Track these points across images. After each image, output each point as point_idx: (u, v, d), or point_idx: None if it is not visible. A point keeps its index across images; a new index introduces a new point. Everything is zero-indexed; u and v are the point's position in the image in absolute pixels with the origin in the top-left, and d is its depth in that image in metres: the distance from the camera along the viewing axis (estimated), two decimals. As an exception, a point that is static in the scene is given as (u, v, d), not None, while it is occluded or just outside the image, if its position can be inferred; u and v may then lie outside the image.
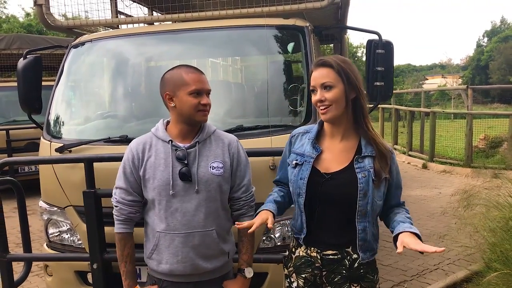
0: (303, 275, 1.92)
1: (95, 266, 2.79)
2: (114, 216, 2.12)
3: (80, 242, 3.07)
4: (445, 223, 5.94)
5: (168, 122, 2.14)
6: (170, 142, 2.04)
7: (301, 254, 1.94)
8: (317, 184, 1.84)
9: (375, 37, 3.12)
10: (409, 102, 20.13)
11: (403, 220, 1.84)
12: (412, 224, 1.81)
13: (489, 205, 3.74)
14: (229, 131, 2.87)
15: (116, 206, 2.10)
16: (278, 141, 2.78)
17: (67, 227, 3.11)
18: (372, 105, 3.45)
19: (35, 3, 3.49)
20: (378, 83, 3.13)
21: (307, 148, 1.91)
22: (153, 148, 2.05)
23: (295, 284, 1.95)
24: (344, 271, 1.86)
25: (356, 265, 1.86)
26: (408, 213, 1.92)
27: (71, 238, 3.12)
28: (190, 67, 2.05)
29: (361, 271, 1.87)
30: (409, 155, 11.35)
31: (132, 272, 2.16)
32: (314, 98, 1.82)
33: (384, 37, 3.12)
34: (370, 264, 1.90)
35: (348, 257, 1.86)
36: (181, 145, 2.04)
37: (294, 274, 1.96)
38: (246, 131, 2.91)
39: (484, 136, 10.76)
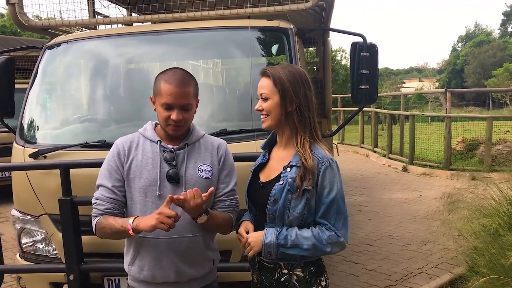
0: (254, 274, 1.99)
1: (71, 277, 2.67)
2: (92, 215, 1.98)
3: (55, 252, 2.94)
4: (427, 226, 5.97)
5: (156, 124, 2.08)
6: (158, 142, 1.99)
7: None
8: (255, 192, 1.93)
9: (360, 39, 3.08)
10: (388, 106, 20.37)
11: (289, 232, 1.79)
12: (292, 241, 1.77)
13: (472, 208, 3.75)
14: (213, 135, 2.80)
15: (94, 203, 1.98)
16: (263, 145, 2.71)
17: (42, 237, 2.97)
18: (357, 108, 3.42)
19: (8, 2, 3.34)
20: (363, 86, 3.08)
21: (260, 156, 2.00)
22: (140, 147, 1.99)
23: (251, 278, 2.03)
24: (273, 282, 1.88)
25: (282, 279, 1.85)
26: (320, 235, 1.77)
27: (46, 248, 2.97)
28: (174, 75, 1.92)
29: (287, 283, 1.84)
30: (389, 158, 11.43)
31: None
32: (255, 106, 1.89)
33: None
34: (300, 280, 1.83)
35: (279, 269, 1.86)
36: (169, 146, 1.99)
37: (251, 270, 2.03)
38: (230, 135, 2.82)
39: (462, 138, 10.91)
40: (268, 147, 1.99)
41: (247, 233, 1.87)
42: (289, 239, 1.76)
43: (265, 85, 1.84)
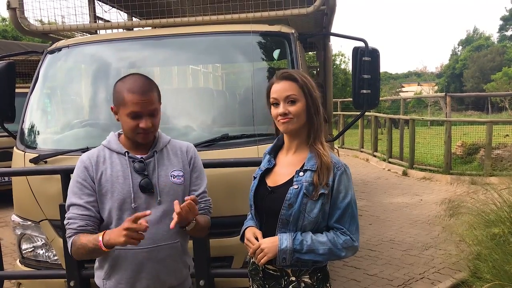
0: (255, 283, 1.95)
1: (72, 283, 2.65)
2: (66, 236, 1.89)
3: (56, 258, 2.92)
4: (428, 231, 5.95)
5: (119, 134, 2.03)
6: (126, 153, 1.93)
7: (253, 260, 1.92)
8: (262, 197, 1.89)
9: (361, 44, 3.07)
10: (387, 110, 20.36)
11: (304, 236, 1.77)
12: (308, 246, 1.76)
13: (474, 213, 3.73)
14: (215, 140, 2.80)
15: (66, 224, 1.89)
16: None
17: (42, 242, 2.95)
18: (356, 113, 3.41)
19: (8, 7, 3.34)
20: (364, 91, 3.08)
21: (264, 161, 1.97)
22: (108, 160, 1.93)
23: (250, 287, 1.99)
24: None
25: (290, 287, 1.82)
26: (336, 240, 1.78)
27: (47, 254, 2.95)
28: (136, 83, 1.88)
29: None
30: (389, 162, 11.41)
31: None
32: (276, 111, 1.82)
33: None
34: (308, 287, 1.81)
35: (286, 277, 1.84)
36: (138, 156, 1.94)
37: (250, 279, 1.99)
38: (232, 140, 2.81)
39: (462, 143, 10.90)
40: (273, 153, 1.98)
41: (256, 239, 1.85)
42: (305, 244, 1.75)
43: (291, 87, 1.80)
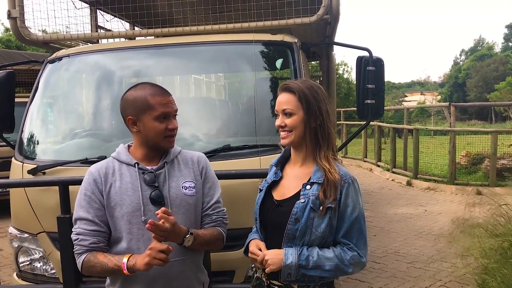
0: None
1: (69, 298, 2.58)
2: (75, 252, 1.85)
3: (53, 271, 2.85)
4: (433, 243, 5.86)
5: (129, 146, 1.98)
6: (136, 165, 1.88)
7: (257, 275, 1.88)
8: (268, 211, 1.84)
9: (366, 53, 3.03)
10: (390, 119, 20.32)
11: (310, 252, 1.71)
12: (313, 261, 1.70)
13: (480, 226, 3.65)
14: (216, 150, 2.74)
15: (76, 239, 1.84)
16: (268, 161, 2.62)
17: (40, 255, 2.89)
18: (359, 122, 3.36)
19: (9, 16, 3.32)
20: (369, 101, 3.02)
21: (271, 173, 1.92)
22: (117, 172, 1.88)
23: None
24: None
25: None
26: (343, 256, 1.72)
27: (44, 267, 2.89)
28: (154, 87, 1.89)
29: None
30: (393, 172, 11.32)
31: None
32: (276, 122, 1.82)
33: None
34: None
35: None
36: (148, 167, 1.89)
37: None
38: (234, 151, 2.76)
39: (466, 152, 10.81)
40: (280, 165, 1.92)
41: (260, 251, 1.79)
42: (310, 260, 1.70)
43: (288, 100, 1.77)
